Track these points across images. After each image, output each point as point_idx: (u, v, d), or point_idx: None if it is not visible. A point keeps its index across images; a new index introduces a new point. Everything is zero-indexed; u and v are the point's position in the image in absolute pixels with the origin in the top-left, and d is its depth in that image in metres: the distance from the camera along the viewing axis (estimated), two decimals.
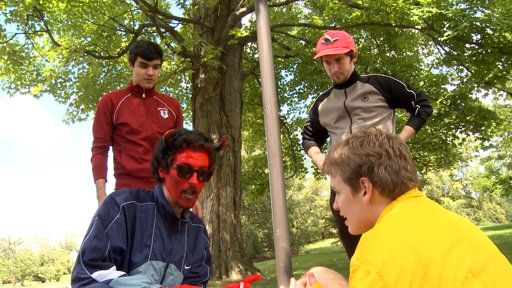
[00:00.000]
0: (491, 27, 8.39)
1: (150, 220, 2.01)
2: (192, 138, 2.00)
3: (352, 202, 1.43)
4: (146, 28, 10.98)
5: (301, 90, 14.10)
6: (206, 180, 2.10)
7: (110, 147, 3.23)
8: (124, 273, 1.81)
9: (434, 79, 10.70)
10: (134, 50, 3.14)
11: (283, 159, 13.83)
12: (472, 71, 10.29)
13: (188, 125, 13.42)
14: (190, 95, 12.37)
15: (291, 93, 14.65)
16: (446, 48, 10.69)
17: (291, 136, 14.98)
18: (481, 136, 11.64)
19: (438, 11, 8.42)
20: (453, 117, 11.55)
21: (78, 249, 1.85)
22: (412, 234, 1.17)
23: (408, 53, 12.47)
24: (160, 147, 2.05)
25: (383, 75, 3.12)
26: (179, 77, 13.20)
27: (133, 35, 10.33)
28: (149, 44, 3.13)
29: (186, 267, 2.14)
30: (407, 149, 1.42)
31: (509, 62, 9.33)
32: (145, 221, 1.99)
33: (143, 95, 3.22)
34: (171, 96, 13.20)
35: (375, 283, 1.10)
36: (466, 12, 8.39)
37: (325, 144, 3.94)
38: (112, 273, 1.77)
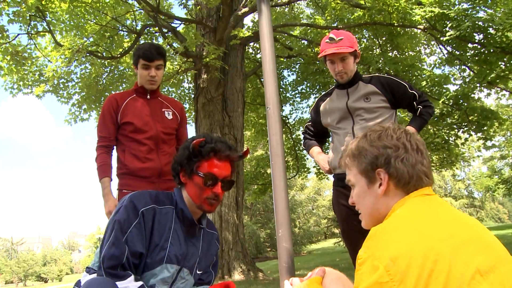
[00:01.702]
0: (494, 26, 8.37)
1: (168, 223, 2.03)
2: (220, 148, 2.02)
3: (367, 193, 1.44)
4: (148, 28, 11.00)
5: (303, 90, 14.09)
6: (229, 189, 2.13)
7: (115, 147, 3.25)
8: (141, 283, 1.86)
9: (436, 79, 10.69)
10: (136, 52, 3.17)
11: (286, 159, 13.84)
12: (475, 71, 10.27)
13: (190, 126, 13.44)
14: (193, 95, 12.37)
15: (293, 93, 14.65)
16: (448, 48, 10.68)
17: (293, 136, 14.98)
18: (484, 136, 11.61)
19: (441, 11, 8.42)
20: (455, 117, 11.53)
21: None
22: (422, 231, 1.18)
23: (410, 53, 12.44)
24: (185, 152, 2.06)
25: (385, 75, 3.11)
26: (181, 77, 13.20)
27: (135, 35, 10.35)
28: (151, 45, 3.16)
29: (198, 272, 2.17)
30: (424, 145, 1.43)
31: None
32: (164, 224, 2.01)
33: (148, 96, 3.25)
34: (174, 98, 13.26)
35: (381, 278, 1.10)
36: (469, 12, 8.39)
37: (326, 144, 3.93)
38: (128, 286, 1.83)
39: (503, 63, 9.56)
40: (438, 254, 1.10)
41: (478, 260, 1.12)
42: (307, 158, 16.00)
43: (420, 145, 1.41)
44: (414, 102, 3.03)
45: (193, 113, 10.95)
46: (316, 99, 3.36)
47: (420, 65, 11.94)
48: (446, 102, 10.95)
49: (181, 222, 2.08)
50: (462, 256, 1.12)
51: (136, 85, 3.27)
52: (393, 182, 1.38)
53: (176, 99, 13.99)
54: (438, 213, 1.28)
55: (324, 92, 3.34)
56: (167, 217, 2.03)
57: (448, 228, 1.20)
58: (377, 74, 3.12)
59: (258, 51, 13.47)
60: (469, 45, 9.61)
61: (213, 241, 2.29)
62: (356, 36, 11.50)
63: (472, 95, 10.83)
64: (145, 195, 2.03)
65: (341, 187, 2.98)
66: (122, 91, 11.74)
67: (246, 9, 9.61)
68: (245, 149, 2.20)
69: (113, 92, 11.71)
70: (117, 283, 1.79)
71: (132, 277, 1.85)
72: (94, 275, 1.92)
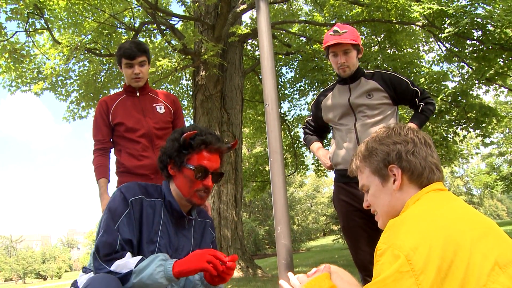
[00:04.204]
0: (492, 23, 8.36)
1: (157, 216, 2.03)
2: (210, 140, 2.01)
3: (382, 192, 1.46)
4: (146, 25, 10.98)
5: (301, 87, 14.10)
6: (218, 181, 2.13)
7: (112, 150, 3.27)
8: (140, 257, 1.84)
9: (435, 76, 10.67)
10: (118, 52, 3.16)
11: (284, 156, 13.83)
12: (473, 67, 10.27)
13: (189, 123, 13.42)
14: (191, 93, 12.37)
15: (292, 90, 14.65)
16: (447, 45, 10.67)
17: (292, 133, 14.99)
18: (482, 133, 11.61)
19: (439, 8, 8.40)
20: (454, 114, 11.52)
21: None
22: (440, 223, 1.19)
23: (408, 50, 12.44)
24: (174, 145, 2.04)
25: (387, 72, 3.10)
26: (179, 75, 13.20)
27: (133, 32, 10.32)
28: (131, 43, 3.14)
29: None
30: (430, 139, 1.46)
31: (510, 58, 9.29)
32: (152, 217, 2.01)
33: (137, 94, 3.24)
34: (171, 92, 13.24)
35: (402, 267, 1.11)
36: (467, 9, 8.38)
37: (325, 141, 3.92)
38: (128, 261, 1.81)
39: (501, 60, 9.56)
40: (457, 245, 1.12)
41: (496, 253, 1.14)
42: (306, 155, 16.03)
43: (427, 139, 1.45)
44: (416, 99, 3.02)
45: (192, 110, 10.94)
46: (317, 94, 3.34)
47: (418, 62, 11.94)
48: (445, 99, 10.94)
49: (170, 214, 2.07)
50: (481, 248, 1.13)
51: (125, 85, 3.28)
52: (407, 176, 1.40)
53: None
54: (454, 207, 1.30)
55: (325, 88, 3.33)
56: (156, 210, 2.03)
57: (466, 221, 1.22)
58: (379, 70, 3.10)
59: (257, 48, 13.46)
60: (468, 42, 9.61)
61: (207, 230, 2.27)
62: None
63: (471, 92, 10.82)
64: (134, 186, 2.04)
65: (342, 183, 2.98)
66: (120, 88, 11.76)
67: (244, 6, 9.61)
68: (233, 142, 2.18)
69: (111, 90, 11.71)
70: (117, 261, 1.79)
71: (129, 254, 1.85)
72: (91, 274, 1.92)
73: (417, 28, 11.28)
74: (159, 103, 3.27)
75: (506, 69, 9.80)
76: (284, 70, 14.57)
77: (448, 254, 1.10)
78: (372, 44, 12.06)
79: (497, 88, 11.75)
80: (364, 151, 1.51)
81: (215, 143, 2.03)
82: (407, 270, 1.10)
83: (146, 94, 3.27)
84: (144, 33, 11.42)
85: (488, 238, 1.17)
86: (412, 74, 10.68)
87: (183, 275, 1.80)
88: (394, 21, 9.76)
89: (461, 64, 11.08)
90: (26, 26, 9.20)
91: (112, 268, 1.78)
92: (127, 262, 1.80)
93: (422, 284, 1.09)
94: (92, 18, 10.25)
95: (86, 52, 10.03)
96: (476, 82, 10.41)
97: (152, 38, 11.68)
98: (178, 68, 10.46)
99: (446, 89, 10.78)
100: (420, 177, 1.39)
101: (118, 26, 10.61)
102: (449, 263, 1.10)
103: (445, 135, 12.59)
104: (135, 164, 3.07)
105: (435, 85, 10.78)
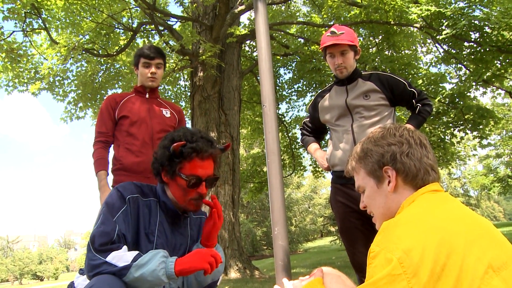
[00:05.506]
0: (490, 25, 8.38)
1: (153, 216, 2.02)
2: (201, 147, 1.95)
3: (377, 194, 1.45)
4: (144, 26, 10.97)
5: (299, 88, 14.09)
6: (213, 186, 2.11)
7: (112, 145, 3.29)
8: (137, 252, 1.80)
9: (432, 78, 10.69)
10: (137, 53, 3.32)
11: (282, 157, 13.83)
12: (471, 69, 10.28)
13: (187, 124, 13.39)
14: (189, 93, 12.36)
15: (289, 91, 14.66)
16: (444, 47, 10.69)
17: (289, 134, 14.99)
18: (479, 135, 11.63)
19: (437, 10, 8.42)
20: (451, 115, 11.54)
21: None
22: (434, 224, 1.18)
23: (406, 51, 12.46)
24: (165, 153, 2.00)
25: (384, 73, 3.09)
26: (177, 75, 13.19)
27: (131, 33, 10.31)
28: (151, 46, 3.32)
29: None
30: (426, 140, 1.45)
31: (507, 60, 9.33)
32: (148, 216, 2.01)
33: (147, 96, 3.34)
34: (170, 96, 13.24)
35: (394, 270, 1.11)
36: (465, 11, 8.39)
37: (323, 142, 3.92)
38: (126, 254, 1.77)
39: (498, 62, 9.58)
40: (451, 247, 1.11)
41: (490, 256, 1.13)
42: (304, 156, 16.02)
43: (423, 140, 1.43)
44: (413, 100, 3.02)
45: (189, 111, 10.93)
46: (314, 96, 3.35)
47: (416, 63, 11.97)
48: (442, 101, 10.96)
49: (165, 214, 2.07)
50: (475, 251, 1.13)
51: (136, 86, 3.37)
52: (401, 177, 1.39)
53: (172, 97, 13.92)
54: (450, 208, 1.29)
55: (322, 89, 3.33)
56: (151, 210, 2.02)
57: (460, 222, 1.21)
58: (376, 72, 3.10)
59: (255, 49, 13.46)
60: (465, 43, 9.62)
61: (202, 225, 2.25)
62: None
63: (468, 94, 10.85)
64: (130, 185, 2.03)
65: (340, 184, 2.98)
66: (118, 88, 11.75)
67: (242, 7, 9.60)
68: (226, 144, 2.13)
69: (109, 90, 11.70)
70: (113, 252, 1.75)
71: (126, 247, 1.81)
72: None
73: (415, 29, 11.29)
74: (165, 108, 3.38)
75: (503, 71, 9.83)
76: (282, 71, 14.57)
77: (441, 257, 1.10)
78: (370, 46, 12.08)
79: (494, 90, 11.79)
80: (360, 152, 1.50)
81: (206, 150, 1.97)
82: (399, 273, 1.10)
83: (155, 98, 3.38)
84: (142, 34, 11.41)
85: (482, 240, 1.17)
86: (410, 76, 10.70)
87: (184, 274, 1.80)
88: (392, 22, 9.77)
89: (459, 66, 11.11)
90: (23, 26, 9.16)
91: (108, 259, 1.74)
92: (124, 255, 1.76)
93: (414, 287, 1.08)
94: (90, 18, 10.23)
95: (83, 52, 10.02)
96: (474, 84, 10.43)
97: (150, 39, 11.67)
98: (176, 68, 10.46)
99: (444, 91, 10.80)
100: (415, 178, 1.38)
101: (116, 26, 10.60)
102: (442, 266, 1.09)
103: (443, 137, 12.61)
104: (132, 161, 3.09)
105: (432, 86, 10.79)
